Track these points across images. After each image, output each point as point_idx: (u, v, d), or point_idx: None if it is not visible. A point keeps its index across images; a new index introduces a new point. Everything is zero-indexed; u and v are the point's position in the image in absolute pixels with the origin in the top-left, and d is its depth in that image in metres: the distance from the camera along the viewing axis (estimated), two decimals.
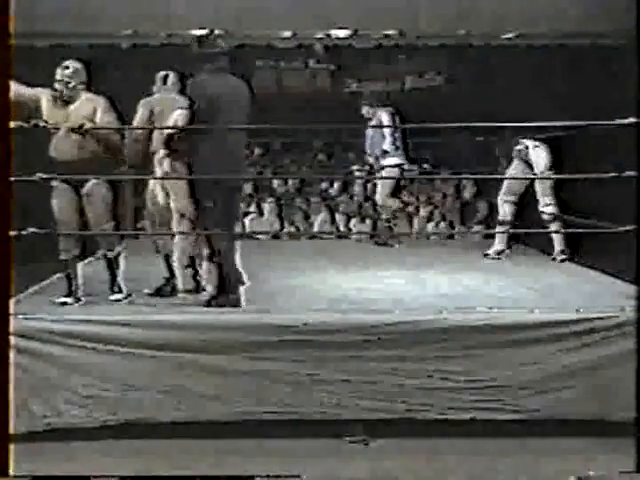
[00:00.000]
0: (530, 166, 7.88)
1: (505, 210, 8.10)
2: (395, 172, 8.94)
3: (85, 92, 5.67)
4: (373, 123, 8.82)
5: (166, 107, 5.75)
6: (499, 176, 8.16)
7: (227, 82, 5.53)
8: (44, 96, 5.64)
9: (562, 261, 7.63)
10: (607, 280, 6.46)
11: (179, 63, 6.16)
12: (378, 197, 9.14)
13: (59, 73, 5.66)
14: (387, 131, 8.81)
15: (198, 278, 5.86)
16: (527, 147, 7.87)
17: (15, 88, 4.62)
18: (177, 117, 5.49)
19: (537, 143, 7.85)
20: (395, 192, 9.21)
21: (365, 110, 8.96)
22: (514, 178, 8.02)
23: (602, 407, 5.01)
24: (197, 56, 5.62)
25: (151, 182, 5.92)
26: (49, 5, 7.34)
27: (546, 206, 7.80)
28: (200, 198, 5.47)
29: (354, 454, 4.86)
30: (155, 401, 4.97)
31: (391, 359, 5.00)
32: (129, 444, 4.90)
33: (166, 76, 5.97)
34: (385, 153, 8.81)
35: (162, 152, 5.63)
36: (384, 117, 8.81)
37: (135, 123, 5.84)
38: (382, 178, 9.11)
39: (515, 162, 8.01)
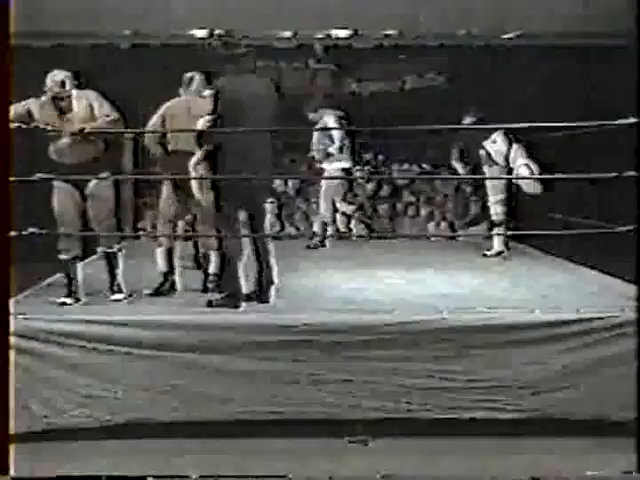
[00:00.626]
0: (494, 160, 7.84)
1: (497, 210, 8.00)
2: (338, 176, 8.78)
3: (74, 90, 5.64)
4: (319, 127, 8.63)
5: (185, 109, 5.76)
6: (498, 176, 8.11)
7: (251, 82, 5.60)
8: (35, 106, 5.59)
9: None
10: (607, 280, 6.45)
11: (179, 63, 6.17)
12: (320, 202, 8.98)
13: (51, 87, 5.59)
14: (336, 136, 8.57)
15: (210, 279, 5.93)
16: (495, 141, 7.79)
17: None
18: (202, 126, 5.54)
19: (495, 137, 7.78)
20: (345, 196, 9.07)
21: (312, 116, 8.72)
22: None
23: (602, 407, 5.00)
24: (220, 57, 5.66)
25: (166, 184, 5.93)
26: (49, 5, 7.36)
27: (495, 204, 7.82)
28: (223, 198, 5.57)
29: (354, 454, 4.86)
30: (155, 401, 4.97)
31: (391, 359, 5.00)
32: (129, 444, 4.89)
33: (191, 78, 5.92)
34: (329, 156, 8.62)
35: (199, 155, 5.63)
36: (330, 121, 8.57)
37: (148, 126, 5.83)
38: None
39: (483, 159, 7.93)
